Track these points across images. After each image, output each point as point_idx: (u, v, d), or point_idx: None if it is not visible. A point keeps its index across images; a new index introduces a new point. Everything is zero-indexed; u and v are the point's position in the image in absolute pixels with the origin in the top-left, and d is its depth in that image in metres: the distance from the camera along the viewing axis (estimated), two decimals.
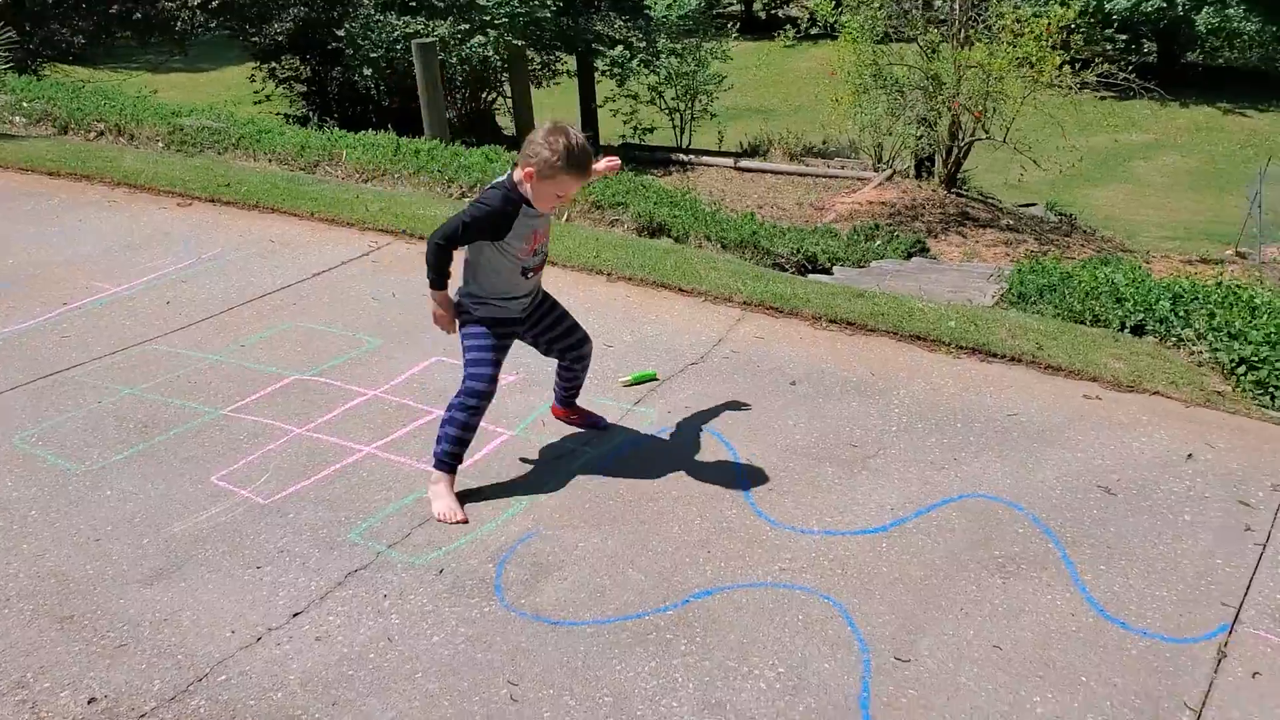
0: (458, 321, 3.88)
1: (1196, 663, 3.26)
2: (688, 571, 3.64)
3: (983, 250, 11.76)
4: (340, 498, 4.03)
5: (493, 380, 3.83)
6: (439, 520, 3.86)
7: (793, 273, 7.62)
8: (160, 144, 9.08)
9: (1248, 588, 3.58)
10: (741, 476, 4.18)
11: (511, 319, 3.90)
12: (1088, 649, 3.31)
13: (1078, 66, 12.14)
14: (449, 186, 7.90)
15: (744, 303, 5.75)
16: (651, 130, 17.34)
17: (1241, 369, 5.02)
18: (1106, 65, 12.63)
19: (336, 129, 9.99)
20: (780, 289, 5.87)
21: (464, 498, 3.98)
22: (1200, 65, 32.22)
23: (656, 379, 4.96)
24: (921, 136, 13.85)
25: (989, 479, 4.20)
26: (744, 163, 15.66)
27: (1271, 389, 4.83)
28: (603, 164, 4.02)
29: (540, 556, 3.70)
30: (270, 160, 8.69)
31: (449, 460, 3.88)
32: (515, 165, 3.66)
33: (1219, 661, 3.27)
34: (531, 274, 3.83)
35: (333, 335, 5.41)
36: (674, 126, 17.29)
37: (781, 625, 3.39)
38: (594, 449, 4.37)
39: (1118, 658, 3.28)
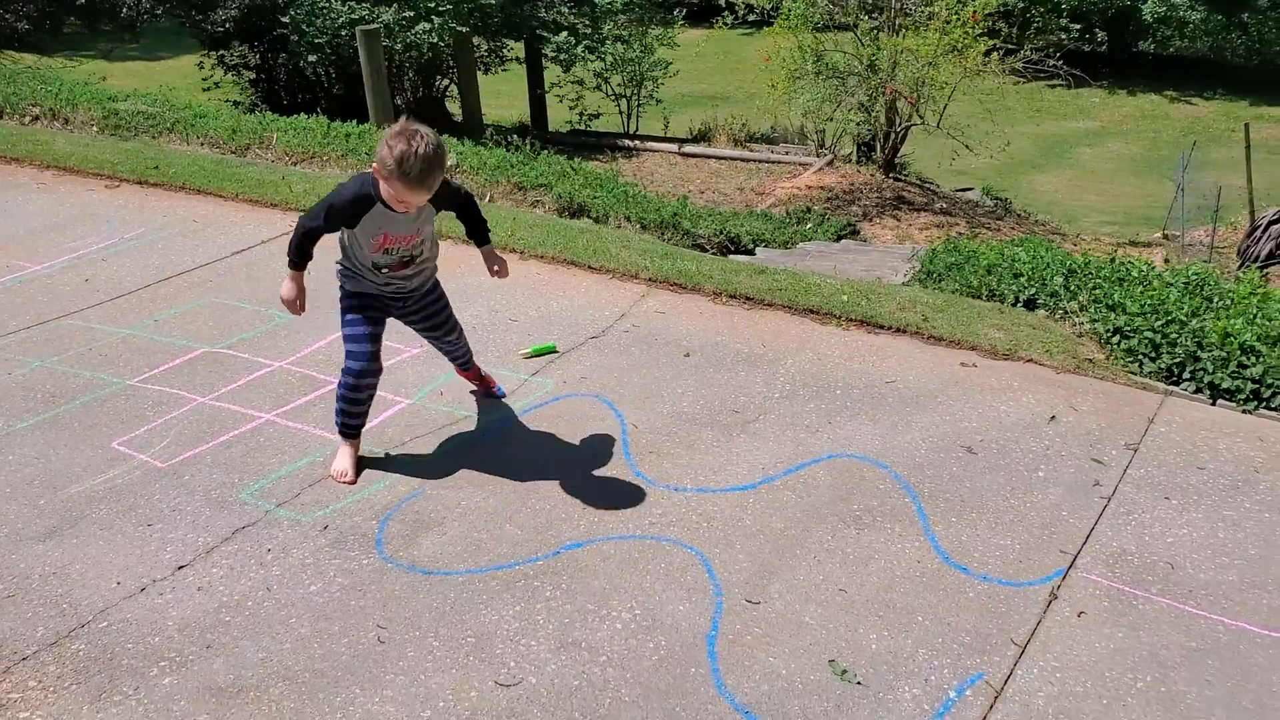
0: (338, 297, 3.92)
1: (1029, 604, 3.50)
2: (562, 526, 3.84)
3: (915, 233, 12.02)
4: (236, 461, 4.20)
5: (369, 357, 3.86)
6: (331, 477, 4.04)
7: (714, 253, 7.82)
8: (95, 129, 9.16)
9: (1087, 537, 3.82)
10: (625, 440, 4.38)
11: (376, 295, 3.90)
12: (928, 592, 3.54)
13: (1002, 54, 12.40)
14: None
15: (649, 279, 5.95)
16: (597, 116, 17.51)
17: (1116, 338, 5.27)
18: (1032, 52, 12.90)
19: (269, 113, 10.08)
20: (685, 266, 6.07)
21: (359, 461, 4.15)
22: (1151, 54, 32.71)
23: (556, 351, 5.15)
24: (862, 123, 14.10)
25: (859, 440, 4.42)
26: (688, 148, 15.87)
27: (1141, 355, 5.09)
28: (493, 267, 4.17)
29: (423, 514, 3.89)
30: (203, 144, 8.80)
31: (344, 429, 4.01)
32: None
33: (1049, 603, 3.50)
34: (386, 270, 3.76)
35: (245, 311, 5.57)
36: (620, 113, 17.47)
37: (644, 573, 3.59)
38: (486, 416, 4.56)
39: (955, 600, 3.51)
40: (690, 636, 3.32)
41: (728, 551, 3.71)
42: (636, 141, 16.42)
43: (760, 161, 15.36)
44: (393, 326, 4.91)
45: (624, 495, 4.01)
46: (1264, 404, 4.73)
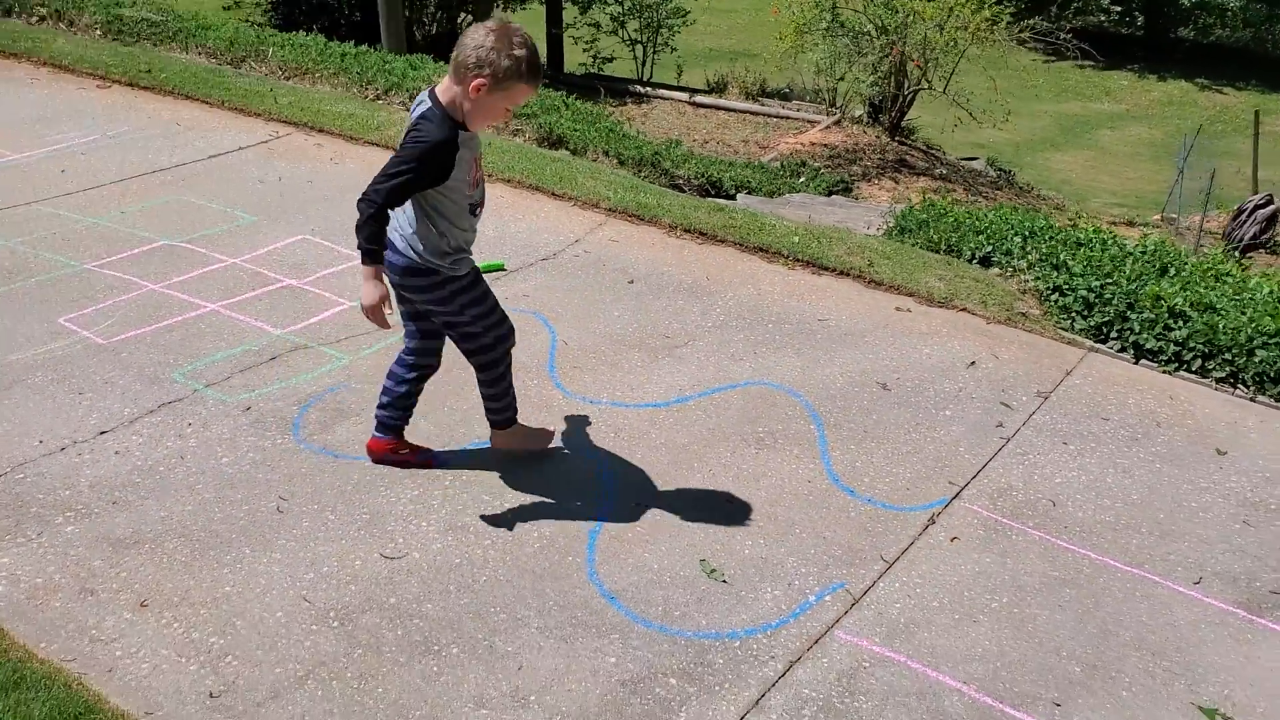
0: (445, 294, 3.30)
1: (906, 527, 3.65)
2: (474, 425, 4.00)
3: (912, 196, 12.03)
4: (175, 344, 4.37)
5: (501, 323, 3.45)
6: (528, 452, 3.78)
7: (690, 194, 7.92)
8: (98, 31, 9.29)
9: (977, 473, 3.96)
10: (552, 355, 4.53)
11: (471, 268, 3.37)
12: (811, 509, 3.69)
13: (1009, 24, 12.34)
14: (365, 89, 8.16)
15: (609, 209, 6.07)
16: (610, 60, 17.52)
17: (1054, 295, 5.38)
18: (1036, 22, 12.83)
19: (268, 29, 10.18)
20: (646, 199, 6.19)
21: (289, 355, 4.31)
22: (1189, 41, 32.27)
23: (504, 270, 5.29)
24: (872, 84, 14.09)
25: (779, 371, 4.56)
26: (699, 99, 15.89)
27: (1074, 312, 5.19)
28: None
29: (343, 404, 4.06)
30: (201, 54, 8.92)
31: (500, 419, 3.70)
32: (432, 88, 3.13)
33: (926, 527, 3.65)
34: (479, 212, 3.30)
35: (211, 210, 5.72)
36: (635, 59, 17.47)
37: (544, 473, 3.76)
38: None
39: (836, 518, 3.66)
40: (575, 531, 3.48)
41: (628, 460, 3.87)
42: (649, 89, 16.43)
43: (769, 116, 15.38)
44: (344, 229, 5.07)
45: (540, 404, 4.17)
46: (1184, 366, 4.84)
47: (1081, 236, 5.89)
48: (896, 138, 13.78)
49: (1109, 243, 5.93)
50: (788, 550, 3.47)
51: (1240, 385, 4.72)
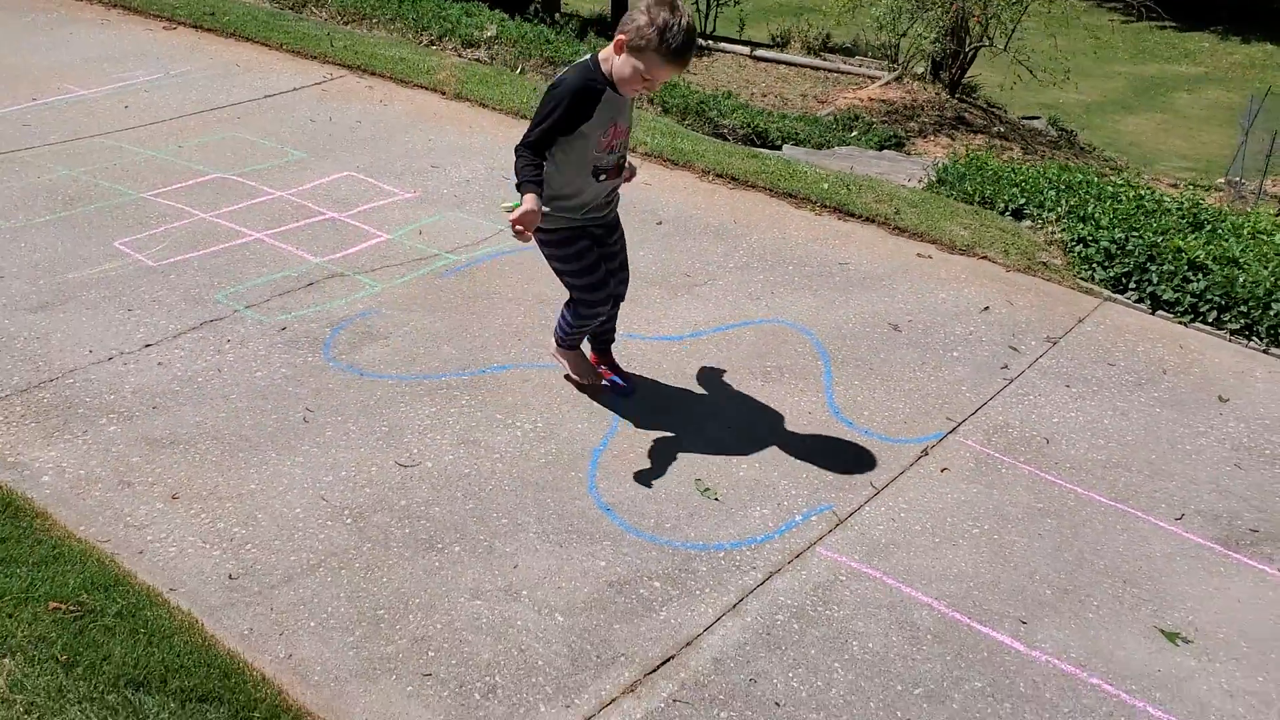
0: (540, 239, 3.46)
1: (899, 458, 3.80)
2: (494, 351, 4.22)
3: (963, 153, 12.00)
4: (220, 268, 4.65)
5: (597, 287, 3.52)
6: (575, 380, 3.90)
7: (734, 144, 8.03)
8: None
9: (976, 410, 4.09)
10: None
11: (583, 229, 3.46)
12: (810, 438, 3.86)
13: None
14: (420, 34, 8.37)
15: (645, 154, 6.23)
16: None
17: (1078, 246, 5.44)
18: None
19: None
20: (682, 145, 6.33)
21: (326, 281, 4.56)
22: (1276, 1, 31.24)
23: None
24: (935, 40, 13.97)
25: (794, 310, 4.71)
26: (760, 52, 15.87)
27: (1095, 263, 5.26)
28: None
29: (373, 328, 4.30)
30: None
31: (565, 341, 3.82)
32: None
33: (919, 458, 3.80)
34: (605, 177, 3.32)
35: (264, 146, 5.99)
36: (698, 12, 17.46)
37: (555, 396, 3.97)
38: (454, 255, 4.93)
39: (832, 446, 3.83)
40: (580, 448, 3.69)
41: (639, 388, 4.05)
42: (709, 42, 16.43)
43: (830, 71, 15.31)
44: (388, 167, 5.31)
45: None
46: (1200, 318, 4.90)
47: (1112, 189, 5.91)
48: (956, 95, 13.66)
49: (1143, 197, 5.95)
50: (781, 474, 3.64)
51: (1254, 337, 4.77)
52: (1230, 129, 22.44)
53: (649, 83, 3.12)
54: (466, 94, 6.89)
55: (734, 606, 3.06)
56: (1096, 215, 5.58)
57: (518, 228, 3.11)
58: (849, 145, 10.18)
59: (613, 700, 2.72)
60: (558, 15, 11.04)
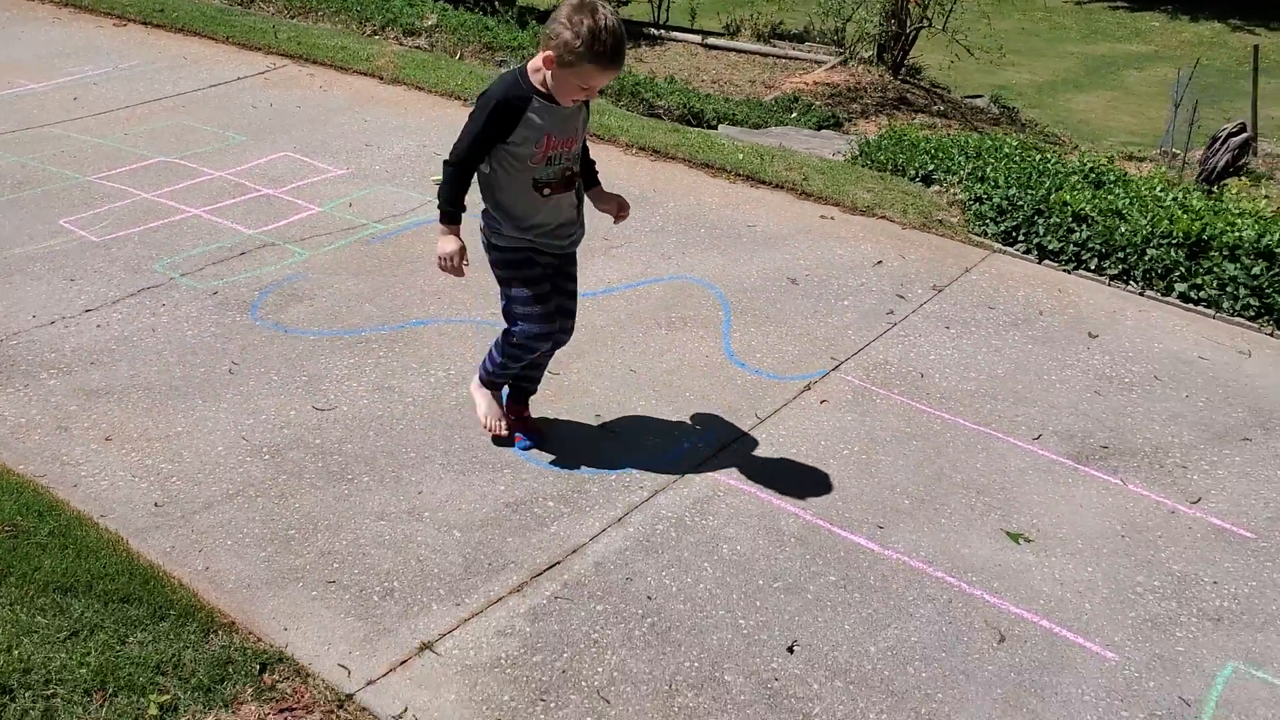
0: (489, 256, 3.35)
1: (783, 393, 4.13)
2: (413, 308, 4.53)
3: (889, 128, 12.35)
4: (160, 242, 4.94)
5: (543, 319, 3.33)
6: (482, 425, 3.65)
7: (670, 122, 8.35)
8: None
9: (859, 351, 4.43)
10: None
11: (537, 250, 3.29)
12: (704, 378, 4.18)
13: None
14: (364, 25, 8.66)
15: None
16: (626, 3, 17.83)
17: (975, 204, 5.80)
18: None
19: None
20: (609, 122, 6.65)
21: (258, 250, 4.86)
22: None
23: None
24: (878, 24, 14.34)
25: (702, 268, 5.03)
26: (712, 40, 16.19)
27: (988, 218, 5.61)
28: (613, 206, 3.51)
29: (299, 290, 4.60)
30: None
31: (486, 379, 3.61)
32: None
33: (801, 393, 4.13)
34: (549, 191, 3.16)
35: (206, 132, 6.28)
36: (650, 2, 17.76)
37: (470, 347, 4.28)
38: (382, 225, 5.24)
39: (724, 384, 4.15)
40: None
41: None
42: (662, 31, 16.76)
43: (779, 57, 15.66)
44: (324, 147, 5.61)
45: (478, 292, 4.67)
46: (1082, 265, 5.25)
47: (1008, 151, 6.26)
48: (900, 77, 14.02)
49: (1039, 159, 6.31)
50: (675, 409, 3.97)
51: (1131, 281, 5.13)
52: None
53: (588, 90, 3.03)
54: (404, 78, 7.20)
55: (619, 520, 3.39)
56: (994, 175, 5.93)
57: (441, 266, 3.15)
58: (786, 125, 10.51)
59: (500, 599, 3.04)
60: (498, 3, 11.31)
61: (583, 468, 3.60)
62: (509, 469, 3.58)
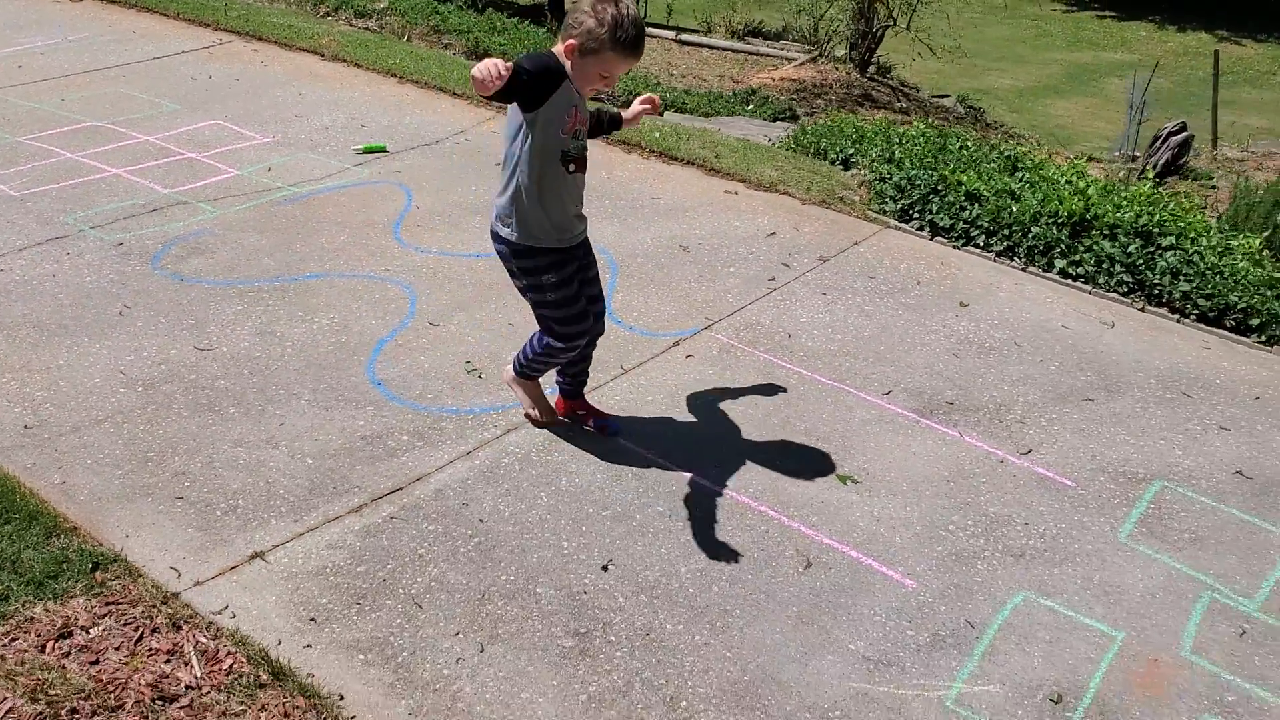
0: (512, 266, 3.36)
1: (652, 347, 4.32)
2: (310, 264, 4.73)
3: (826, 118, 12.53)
4: (77, 198, 5.14)
5: (575, 320, 3.38)
6: (525, 415, 3.74)
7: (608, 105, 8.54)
8: None
9: (734, 312, 4.62)
10: (402, 215, 5.23)
11: (561, 249, 3.32)
12: None
13: None
14: (317, 6, 8.87)
15: (499, 108, 6.75)
16: None
17: (879, 183, 6.00)
18: None
19: None
20: None
21: (170, 208, 5.05)
22: None
23: (386, 151, 6.00)
24: (847, 24, 14.56)
25: (599, 235, 5.18)
26: (685, 36, 16.42)
27: (888, 196, 5.81)
28: (637, 103, 3.61)
29: (203, 244, 4.80)
30: None
31: (523, 370, 3.63)
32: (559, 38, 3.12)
33: (669, 348, 4.33)
34: (574, 168, 3.24)
35: (142, 100, 6.48)
36: None
37: (358, 299, 4.47)
38: (295, 188, 5.44)
39: (600, 340, 4.34)
40: (368, 339, 4.20)
41: (437, 293, 4.57)
42: None
43: (750, 54, 15.88)
44: (255, 116, 5.80)
45: (377, 250, 4.88)
46: (970, 242, 5.45)
47: (914, 135, 6.46)
48: (866, 74, 14.23)
49: (957, 144, 6.50)
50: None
51: (1015, 257, 5.33)
52: (1156, 112, 23.10)
53: (607, 79, 3.11)
54: (344, 56, 7.41)
55: (468, 454, 3.58)
56: (900, 157, 6.13)
57: (478, 69, 2.77)
58: (739, 116, 10.71)
59: (337, 518, 3.24)
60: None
61: (444, 407, 3.80)
62: (372, 406, 3.78)
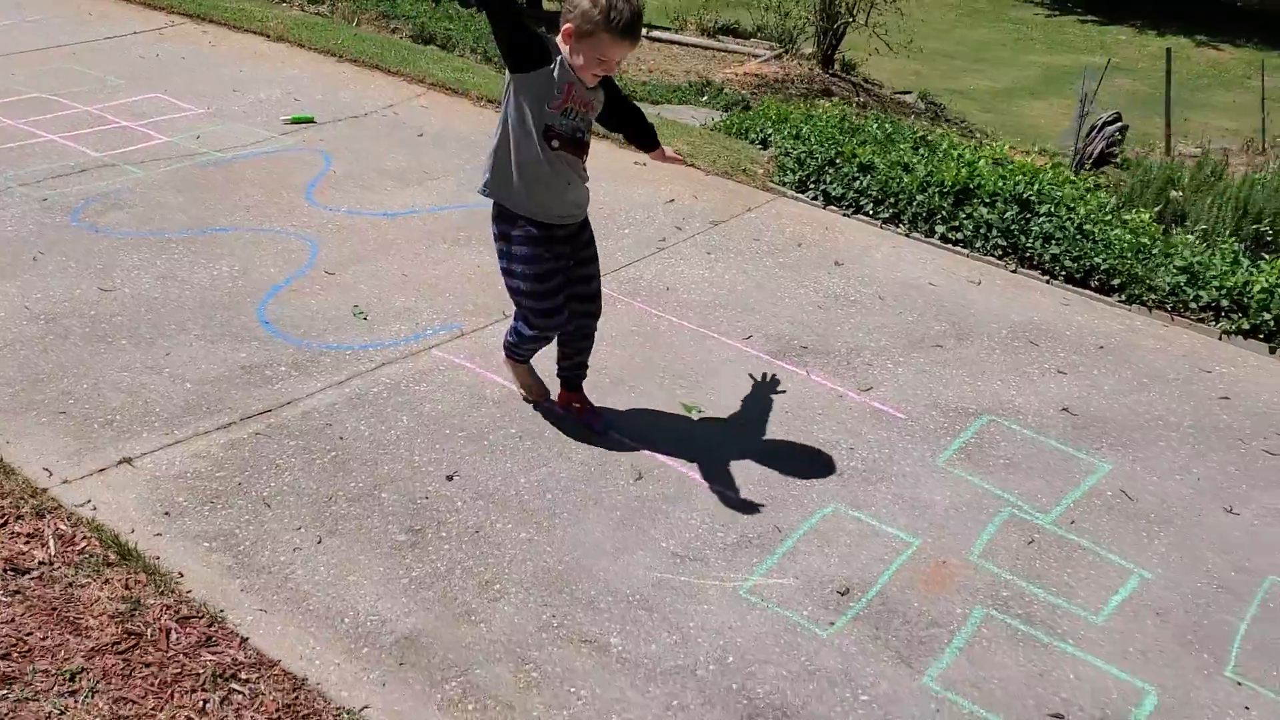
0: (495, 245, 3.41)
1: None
2: (223, 220, 5.02)
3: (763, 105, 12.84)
4: (10, 159, 5.44)
5: (549, 314, 3.41)
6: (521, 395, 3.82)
7: None
8: None
9: (620, 269, 4.91)
10: (319, 177, 5.53)
11: (547, 228, 3.34)
12: (467, 284, 4.65)
13: None
14: None
15: (432, 84, 7.06)
16: None
17: (783, 157, 6.30)
18: None
19: None
20: (466, 77, 7.16)
21: (98, 169, 5.35)
22: None
23: (314, 122, 6.30)
24: (810, 21, 14.87)
25: None
26: (656, 33, 16.73)
27: (788, 169, 6.11)
28: (671, 152, 3.79)
29: (122, 200, 5.10)
30: None
31: (513, 353, 3.72)
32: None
33: None
34: (558, 144, 3.19)
35: (88, 75, 6.79)
36: None
37: (262, 249, 4.77)
38: (219, 154, 5.74)
39: (483, 289, 4.62)
40: (264, 284, 4.50)
41: (338, 247, 4.87)
42: None
43: (719, 50, 16.19)
44: (194, 90, 6.08)
45: (290, 209, 5.17)
46: (861, 210, 5.75)
47: (827, 116, 6.77)
48: (829, 70, 14.54)
49: (874, 126, 6.82)
50: (430, 305, 4.45)
51: (900, 224, 5.62)
52: (1128, 113, 23.36)
53: (605, 64, 3.10)
54: (289, 37, 7.71)
55: (340, 383, 3.87)
56: (805, 135, 6.44)
57: None
58: (689, 105, 11.02)
59: (206, 433, 3.53)
60: None
61: (325, 344, 4.09)
62: (257, 341, 4.07)
